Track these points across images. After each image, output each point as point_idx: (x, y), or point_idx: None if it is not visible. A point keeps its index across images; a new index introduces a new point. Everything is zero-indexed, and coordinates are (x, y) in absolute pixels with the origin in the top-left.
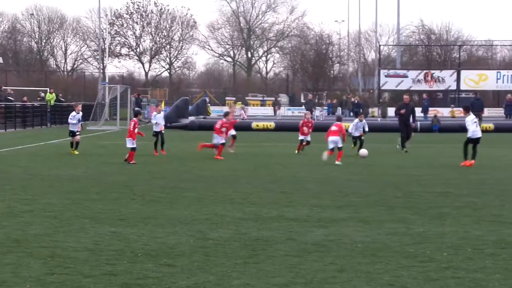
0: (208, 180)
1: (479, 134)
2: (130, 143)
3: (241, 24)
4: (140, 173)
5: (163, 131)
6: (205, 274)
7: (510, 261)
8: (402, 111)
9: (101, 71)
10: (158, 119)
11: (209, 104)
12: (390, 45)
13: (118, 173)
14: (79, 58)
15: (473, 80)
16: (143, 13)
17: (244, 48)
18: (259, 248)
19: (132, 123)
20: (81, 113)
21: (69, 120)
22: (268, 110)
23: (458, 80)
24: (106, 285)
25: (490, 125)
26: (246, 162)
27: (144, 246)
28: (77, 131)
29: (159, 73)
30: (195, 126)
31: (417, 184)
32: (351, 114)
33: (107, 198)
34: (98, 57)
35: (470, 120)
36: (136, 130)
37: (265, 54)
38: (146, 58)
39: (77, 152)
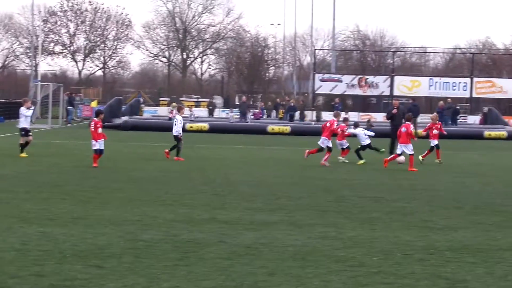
0: (139, 181)
1: None
2: (94, 145)
3: (177, 25)
4: (71, 172)
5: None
6: (135, 276)
7: (438, 267)
8: (394, 111)
9: (33, 68)
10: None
11: (142, 105)
12: (325, 49)
13: (49, 172)
14: (10, 55)
15: (406, 86)
16: (77, 11)
17: (179, 49)
18: (190, 250)
19: (93, 123)
20: (31, 110)
21: (22, 116)
22: (203, 112)
23: (391, 85)
24: (33, 286)
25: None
26: (179, 163)
27: (73, 247)
28: (29, 130)
29: (93, 72)
30: (128, 126)
31: (348, 188)
32: (287, 117)
33: (37, 197)
34: (30, 54)
35: None
36: (99, 130)
37: (201, 55)
38: (80, 57)
39: (26, 155)
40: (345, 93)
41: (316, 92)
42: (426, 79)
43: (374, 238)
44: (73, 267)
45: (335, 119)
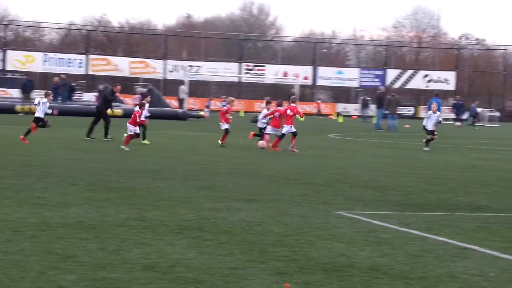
0: None
1: None
2: None
3: None
4: None
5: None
6: None
7: (49, 243)
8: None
9: None
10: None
11: None
12: None
13: None
14: None
15: (20, 61)
16: None
17: None
18: None
19: None
20: None
21: None
22: None
23: (4, 60)
24: None
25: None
26: None
27: None
28: None
29: None
30: None
31: None
32: None
33: None
34: None
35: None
36: None
37: None
38: None
39: None
40: None
41: None
42: (41, 54)
43: None
44: None
45: (293, 105)
